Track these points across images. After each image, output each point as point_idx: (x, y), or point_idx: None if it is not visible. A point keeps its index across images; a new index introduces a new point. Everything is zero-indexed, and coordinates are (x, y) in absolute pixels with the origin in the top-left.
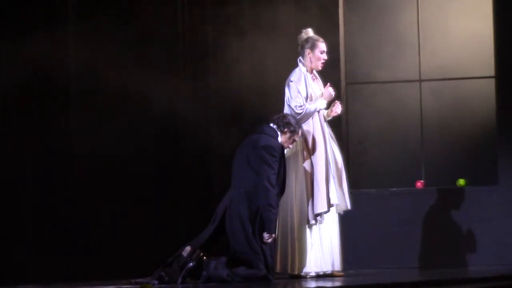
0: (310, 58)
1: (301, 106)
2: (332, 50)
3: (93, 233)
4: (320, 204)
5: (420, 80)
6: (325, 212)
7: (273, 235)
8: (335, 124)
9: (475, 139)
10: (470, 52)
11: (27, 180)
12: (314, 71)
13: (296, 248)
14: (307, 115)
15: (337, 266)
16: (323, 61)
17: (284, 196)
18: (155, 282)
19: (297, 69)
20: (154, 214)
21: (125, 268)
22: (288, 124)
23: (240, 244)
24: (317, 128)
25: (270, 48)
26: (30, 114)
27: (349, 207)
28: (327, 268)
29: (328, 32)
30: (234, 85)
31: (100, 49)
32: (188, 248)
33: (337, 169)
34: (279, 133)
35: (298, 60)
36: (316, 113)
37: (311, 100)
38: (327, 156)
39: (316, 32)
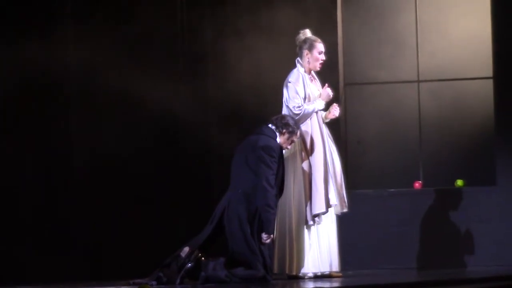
0: (308, 58)
1: (299, 107)
2: (331, 51)
3: (93, 233)
4: (318, 205)
5: (419, 81)
6: (323, 213)
7: (272, 235)
8: (333, 124)
9: (473, 139)
10: (469, 52)
11: (27, 180)
12: (312, 72)
13: (294, 249)
14: (306, 116)
15: (335, 267)
16: (321, 61)
17: (283, 197)
18: (154, 282)
19: (295, 70)
20: (154, 214)
21: (125, 268)
22: (286, 125)
23: (239, 245)
24: (315, 129)
25: (269, 48)
26: (30, 114)
27: (346, 209)
28: (325, 269)
29: (327, 32)
30: (232, 85)
31: (99, 50)
32: (186, 249)
33: (335, 172)
34: (277, 133)
35: (296, 61)
36: (315, 113)
37: (309, 101)
38: (326, 157)
39: (314, 33)
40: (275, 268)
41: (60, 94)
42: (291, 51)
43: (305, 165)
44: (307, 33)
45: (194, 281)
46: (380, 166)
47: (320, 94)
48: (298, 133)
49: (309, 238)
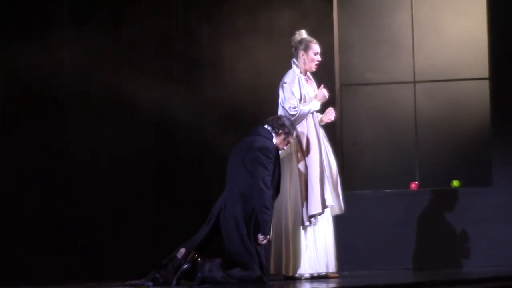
0: (304, 59)
1: (295, 108)
2: (327, 52)
3: (93, 233)
4: (314, 206)
5: (415, 82)
6: (319, 214)
7: (268, 236)
8: (329, 125)
9: (469, 140)
10: (465, 53)
11: (27, 180)
12: (308, 73)
13: (290, 250)
14: (301, 117)
15: (332, 268)
16: (317, 62)
17: (279, 198)
18: (150, 284)
19: (290, 71)
20: (154, 214)
21: (125, 268)
22: (282, 125)
23: (235, 246)
24: (311, 130)
25: (266, 49)
26: (30, 115)
27: (343, 210)
28: (322, 270)
29: (323, 33)
30: (230, 86)
31: (97, 51)
32: (182, 250)
33: (332, 173)
34: (273, 134)
35: (292, 61)
36: (310, 114)
37: (304, 101)
38: (322, 158)
39: (310, 33)
40: (272, 269)
41: (59, 94)
42: (288, 52)
43: (301, 166)
44: (303, 34)
45: (190, 282)
46: (376, 167)
47: (316, 95)
48: (294, 134)
49: (306, 238)
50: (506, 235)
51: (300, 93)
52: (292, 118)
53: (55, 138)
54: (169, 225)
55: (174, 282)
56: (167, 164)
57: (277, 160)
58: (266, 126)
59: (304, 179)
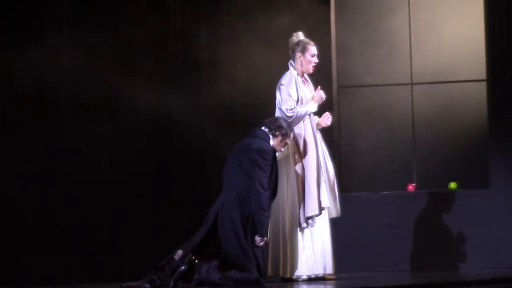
0: (301, 61)
1: (292, 109)
2: (324, 54)
3: (92, 234)
4: (311, 207)
5: (412, 84)
6: (317, 215)
7: (265, 238)
8: (327, 127)
9: (467, 142)
10: (462, 55)
11: (27, 180)
12: (305, 75)
13: (288, 251)
14: (298, 118)
15: (329, 269)
16: (314, 64)
17: (276, 199)
18: (147, 285)
19: (288, 73)
20: (154, 214)
21: (124, 268)
22: (279, 127)
23: (232, 248)
24: (308, 131)
25: (263, 51)
26: (30, 115)
27: (339, 213)
28: (319, 271)
29: (320, 35)
30: (227, 87)
31: (95, 53)
32: (180, 252)
33: (329, 177)
34: (270, 136)
35: (289, 63)
36: (307, 116)
37: (301, 103)
38: (319, 159)
39: (308, 35)
40: (269, 271)
41: (58, 95)
42: (286, 54)
43: (298, 167)
44: (300, 35)
45: (187, 284)
46: (374, 169)
47: (313, 96)
48: (291, 136)
49: (303, 240)
50: (503, 237)
51: (297, 95)
52: (289, 120)
53: (54, 138)
54: (169, 225)
55: (172, 284)
56: (167, 164)
57: (274, 162)
58: (263, 128)
59: (301, 180)
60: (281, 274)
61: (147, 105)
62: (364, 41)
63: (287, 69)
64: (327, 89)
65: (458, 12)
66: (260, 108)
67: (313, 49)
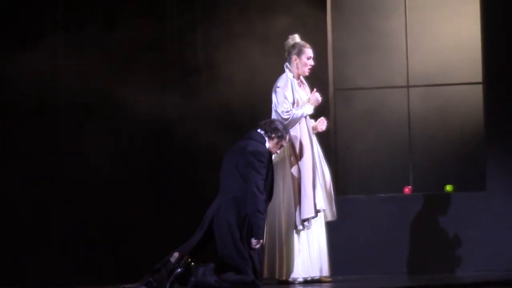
0: (297, 64)
1: (288, 112)
2: (320, 56)
3: (92, 234)
4: (307, 210)
5: (408, 86)
6: (313, 217)
7: (261, 241)
8: (322, 132)
9: (463, 145)
10: (458, 58)
11: (27, 180)
12: (301, 77)
13: (284, 254)
14: (294, 121)
15: (325, 272)
16: (310, 67)
17: (272, 202)
18: None
19: (283, 75)
20: (154, 214)
21: (124, 268)
22: (275, 129)
23: (228, 250)
24: (304, 134)
25: (259, 54)
26: (30, 116)
27: (335, 217)
28: (315, 274)
29: (316, 38)
30: (224, 89)
31: (91, 57)
32: (176, 254)
33: (325, 181)
34: (266, 138)
35: (284, 66)
36: (303, 119)
37: (297, 105)
38: (314, 161)
39: (304, 38)
40: (265, 273)
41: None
42: (282, 56)
43: (294, 170)
44: (296, 38)
45: (183, 286)
46: (370, 171)
47: (309, 99)
48: (287, 138)
49: (299, 242)
50: (499, 239)
51: (293, 97)
52: (285, 122)
53: (54, 139)
54: (169, 225)
55: (168, 286)
56: (166, 166)
57: (270, 164)
58: (259, 130)
59: (297, 183)
60: (277, 277)
61: (146, 107)
62: (361, 44)
63: (283, 71)
64: (323, 91)
65: (454, 15)
66: (258, 110)
67: (309, 51)
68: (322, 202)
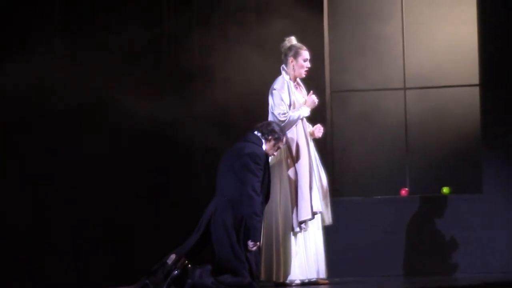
0: (293, 66)
1: (284, 114)
2: (317, 58)
3: (92, 234)
4: (304, 212)
5: (405, 88)
6: (310, 220)
7: (258, 243)
8: (318, 139)
9: (459, 147)
10: (455, 60)
11: (27, 180)
12: (298, 79)
13: (281, 256)
14: (291, 123)
15: (322, 274)
16: (306, 69)
17: (269, 204)
18: None
19: (280, 77)
20: (154, 214)
21: (124, 268)
22: (272, 131)
23: (225, 252)
24: (301, 136)
25: (256, 57)
26: (29, 116)
27: (331, 222)
28: (312, 276)
29: (313, 40)
30: (221, 93)
31: (87, 61)
32: (173, 256)
33: (322, 185)
34: (263, 140)
35: (281, 68)
36: (300, 121)
37: (294, 108)
38: (311, 163)
39: (300, 40)
40: (262, 276)
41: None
42: (279, 59)
43: (291, 172)
44: (293, 40)
45: None
46: (366, 173)
47: (306, 101)
48: (284, 140)
49: (296, 245)
50: (495, 241)
51: (289, 99)
52: (282, 124)
53: (54, 139)
54: (169, 225)
55: None
56: (165, 167)
57: (266, 166)
58: (255, 132)
59: (294, 185)
60: (274, 279)
61: (143, 109)
62: (357, 46)
63: (279, 73)
64: (319, 93)
65: (451, 18)
66: (255, 112)
67: (305, 53)
68: (319, 204)
